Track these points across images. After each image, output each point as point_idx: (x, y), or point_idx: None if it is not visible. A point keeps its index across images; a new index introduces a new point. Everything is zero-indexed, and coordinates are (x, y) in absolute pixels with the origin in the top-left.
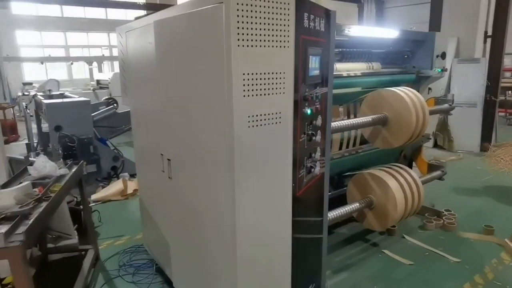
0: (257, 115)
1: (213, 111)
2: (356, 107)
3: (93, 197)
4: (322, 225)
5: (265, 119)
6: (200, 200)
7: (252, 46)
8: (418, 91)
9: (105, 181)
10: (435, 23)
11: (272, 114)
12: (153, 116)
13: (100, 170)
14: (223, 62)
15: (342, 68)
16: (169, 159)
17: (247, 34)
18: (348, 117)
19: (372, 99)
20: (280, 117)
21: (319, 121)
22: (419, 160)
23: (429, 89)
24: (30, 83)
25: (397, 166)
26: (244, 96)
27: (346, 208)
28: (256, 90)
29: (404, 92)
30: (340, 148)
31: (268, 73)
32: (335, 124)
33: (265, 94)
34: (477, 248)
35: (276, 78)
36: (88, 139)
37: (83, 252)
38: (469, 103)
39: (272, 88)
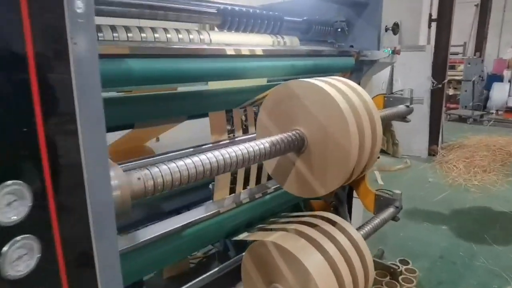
0: None
1: None
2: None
3: None
4: None
5: None
6: None
7: None
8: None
9: None
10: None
11: None
12: None
13: None
14: None
15: (224, 40)
16: None
17: None
18: (244, 132)
19: (276, 101)
20: None
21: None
22: (362, 188)
23: None
24: None
25: (323, 217)
26: None
27: None
28: None
29: (335, 86)
30: (232, 191)
31: None
32: (171, 168)
33: None
34: None
35: None
36: None
37: None
38: (415, 99)
39: None
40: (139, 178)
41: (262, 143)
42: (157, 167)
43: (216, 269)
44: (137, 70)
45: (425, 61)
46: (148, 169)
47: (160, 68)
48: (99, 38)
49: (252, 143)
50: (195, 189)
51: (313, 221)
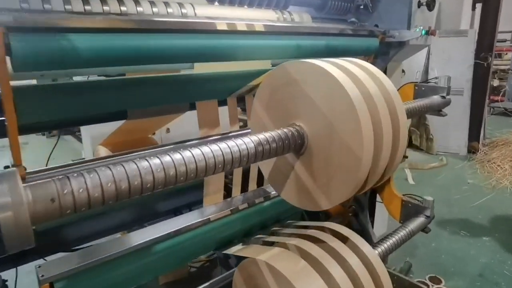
0: None
1: None
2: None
3: None
4: None
5: None
6: None
7: None
8: (385, 73)
9: None
10: None
11: None
12: None
13: None
14: None
15: (215, 14)
16: None
17: None
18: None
19: (272, 88)
20: None
21: None
22: (387, 192)
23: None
24: None
25: (333, 231)
26: None
27: None
28: None
29: (345, 68)
30: (228, 195)
31: None
32: (103, 177)
33: None
34: None
35: None
36: None
37: None
38: (454, 90)
39: None
40: (48, 194)
41: (245, 143)
42: (83, 175)
43: (208, 283)
44: (88, 47)
45: (466, 48)
46: (68, 178)
47: (127, 45)
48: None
49: (231, 143)
50: (193, 188)
51: (320, 236)
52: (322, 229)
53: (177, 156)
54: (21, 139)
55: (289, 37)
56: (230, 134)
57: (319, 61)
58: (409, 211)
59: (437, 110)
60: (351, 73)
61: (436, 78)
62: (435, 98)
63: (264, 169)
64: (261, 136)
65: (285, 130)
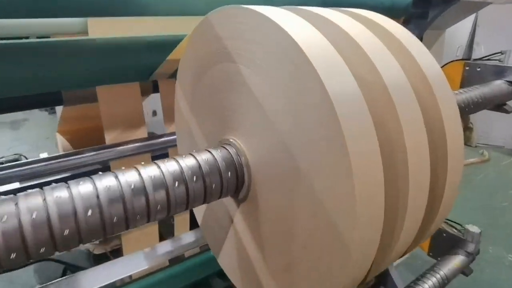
0: None
1: None
2: None
3: None
4: None
5: None
6: None
7: None
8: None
9: None
10: None
11: None
12: None
13: None
14: None
15: None
16: None
17: None
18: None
19: (194, 63)
20: None
21: None
22: None
23: None
24: None
25: None
26: None
27: None
28: None
29: (331, 25)
30: (168, 233)
31: None
32: None
33: None
34: None
35: None
36: None
37: None
38: None
39: None
40: None
41: (111, 187)
42: None
43: None
44: None
45: None
46: None
47: None
48: None
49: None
50: None
51: None
52: None
53: None
54: (20, 115)
55: None
56: (158, 140)
57: (274, 9)
58: (443, 242)
59: (499, 105)
60: (345, 36)
61: (500, 53)
62: (498, 85)
63: (198, 211)
64: (133, 179)
65: (203, 155)
